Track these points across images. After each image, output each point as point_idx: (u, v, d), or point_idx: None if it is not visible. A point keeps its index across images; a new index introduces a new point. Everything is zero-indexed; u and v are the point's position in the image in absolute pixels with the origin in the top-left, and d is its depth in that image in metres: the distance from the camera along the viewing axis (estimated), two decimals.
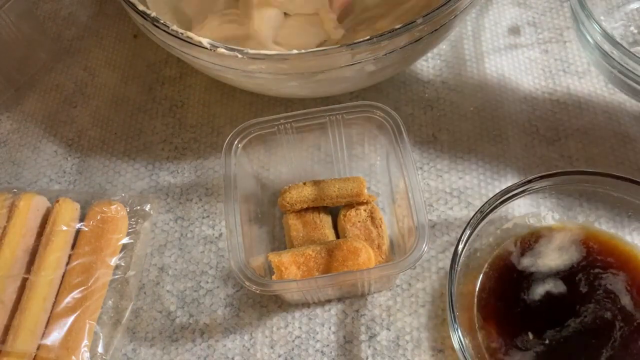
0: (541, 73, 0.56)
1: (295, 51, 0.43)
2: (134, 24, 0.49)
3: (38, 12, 0.64)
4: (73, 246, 0.47)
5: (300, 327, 0.45)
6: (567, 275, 0.43)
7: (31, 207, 0.48)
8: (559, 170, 0.45)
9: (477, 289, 0.43)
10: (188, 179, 0.53)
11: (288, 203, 0.47)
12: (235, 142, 0.45)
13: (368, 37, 0.43)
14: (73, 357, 0.43)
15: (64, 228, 0.47)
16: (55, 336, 0.43)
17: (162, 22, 0.45)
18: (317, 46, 0.51)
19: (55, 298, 0.45)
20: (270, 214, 0.50)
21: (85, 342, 0.44)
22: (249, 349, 0.45)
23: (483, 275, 0.44)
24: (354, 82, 0.51)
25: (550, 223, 0.46)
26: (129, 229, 0.49)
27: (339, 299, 0.46)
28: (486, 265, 0.44)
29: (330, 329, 0.45)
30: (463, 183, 0.50)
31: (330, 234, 0.47)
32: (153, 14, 0.46)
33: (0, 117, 0.58)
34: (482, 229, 0.43)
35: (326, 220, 0.48)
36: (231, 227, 0.42)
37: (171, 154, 0.54)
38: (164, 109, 0.57)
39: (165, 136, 0.55)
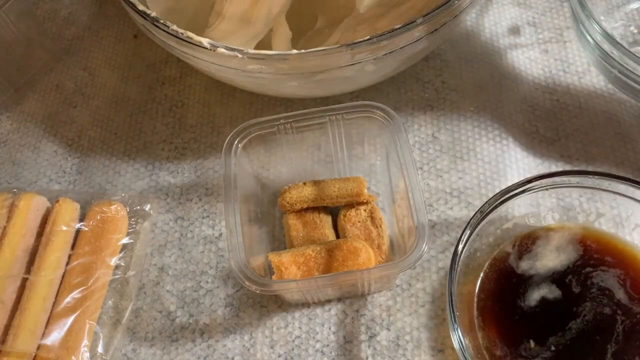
0: (541, 73, 0.56)
1: (295, 51, 0.43)
2: (134, 23, 0.49)
3: (38, 12, 0.64)
4: (73, 246, 0.47)
5: (300, 327, 0.45)
6: (564, 276, 0.43)
7: (31, 207, 0.48)
8: (559, 170, 0.45)
9: (477, 289, 0.43)
10: (188, 179, 0.53)
11: (288, 203, 0.47)
12: (235, 142, 0.45)
13: (368, 37, 0.43)
14: (73, 357, 0.43)
15: (64, 228, 0.47)
16: (55, 336, 0.43)
17: (162, 22, 0.45)
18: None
19: (55, 298, 0.45)
20: (270, 214, 0.50)
21: (85, 342, 0.44)
22: (249, 349, 0.45)
23: (483, 276, 0.44)
24: (354, 82, 0.51)
25: (550, 223, 0.46)
26: (129, 229, 0.49)
27: (339, 299, 0.46)
28: (486, 266, 0.44)
29: (330, 329, 0.45)
30: (463, 183, 0.50)
31: (330, 234, 0.47)
32: (153, 14, 0.46)
33: (0, 117, 0.58)
34: (482, 229, 0.43)
35: (326, 220, 0.48)
36: (231, 227, 0.42)
37: (171, 154, 0.54)
38: (164, 109, 0.57)
39: (165, 136, 0.55)
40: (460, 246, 0.41)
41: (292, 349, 0.44)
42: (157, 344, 0.45)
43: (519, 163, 0.51)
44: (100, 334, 0.45)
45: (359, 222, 0.47)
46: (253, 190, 0.49)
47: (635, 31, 0.57)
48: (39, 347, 0.43)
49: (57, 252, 0.46)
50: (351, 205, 0.47)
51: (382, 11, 0.52)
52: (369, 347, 0.44)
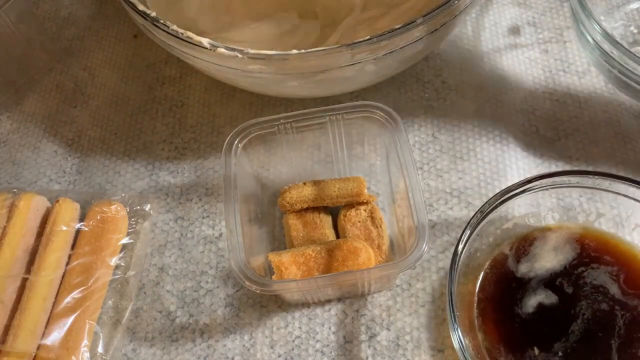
0: (541, 73, 0.56)
1: (295, 51, 0.43)
2: (134, 23, 0.49)
3: (38, 12, 0.64)
4: (73, 246, 0.47)
5: (300, 327, 0.45)
6: (562, 277, 0.43)
7: (31, 207, 0.48)
8: (559, 170, 0.45)
9: (477, 289, 0.43)
10: (188, 179, 0.53)
11: (288, 203, 0.47)
12: (235, 142, 0.45)
13: (368, 37, 0.43)
14: (73, 357, 0.43)
15: (64, 228, 0.47)
16: (55, 336, 0.43)
17: (162, 22, 0.45)
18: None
19: (55, 298, 0.45)
20: (270, 214, 0.50)
21: (85, 342, 0.44)
22: (249, 349, 0.45)
23: (483, 276, 0.44)
24: (354, 82, 0.51)
25: (550, 223, 0.46)
26: (129, 229, 0.49)
27: (339, 299, 0.46)
28: (486, 266, 0.44)
29: (330, 329, 0.45)
30: (463, 183, 0.50)
31: (330, 234, 0.47)
32: (153, 14, 0.46)
33: (0, 117, 0.58)
34: (482, 229, 0.43)
35: (326, 220, 0.48)
36: (231, 227, 0.42)
37: (171, 154, 0.54)
38: (164, 109, 0.57)
39: (165, 136, 0.55)
40: (460, 246, 0.41)
41: (292, 349, 0.44)
42: (157, 344, 0.45)
43: (519, 163, 0.51)
44: (100, 334, 0.45)
45: (359, 222, 0.47)
46: (253, 190, 0.49)
47: (635, 31, 0.57)
48: (39, 347, 0.43)
49: (57, 252, 0.46)
50: (351, 205, 0.47)
51: (382, 11, 0.53)
52: (369, 347, 0.44)
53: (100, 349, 0.44)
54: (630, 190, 0.43)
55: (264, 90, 0.53)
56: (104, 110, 0.58)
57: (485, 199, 0.45)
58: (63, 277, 0.46)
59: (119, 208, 0.49)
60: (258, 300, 0.46)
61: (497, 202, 0.43)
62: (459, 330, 0.39)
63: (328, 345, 0.45)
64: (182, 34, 0.44)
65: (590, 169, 0.50)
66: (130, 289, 0.47)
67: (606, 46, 0.49)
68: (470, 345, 0.41)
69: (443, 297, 0.45)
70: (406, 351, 0.44)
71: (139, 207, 0.50)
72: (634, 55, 0.48)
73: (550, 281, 0.43)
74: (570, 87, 0.55)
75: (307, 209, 0.48)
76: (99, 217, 0.48)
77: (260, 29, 0.54)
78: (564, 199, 0.46)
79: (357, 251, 0.43)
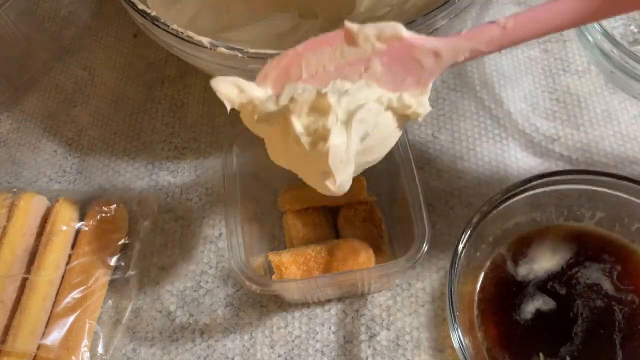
0: (541, 72, 0.56)
1: None
2: (134, 23, 0.49)
3: (38, 12, 0.64)
4: (73, 246, 0.47)
5: (300, 327, 0.45)
6: (561, 279, 0.43)
7: (31, 207, 0.48)
8: (559, 170, 0.45)
9: (477, 290, 0.43)
10: (188, 179, 0.53)
11: (288, 203, 0.47)
12: (236, 142, 0.45)
13: None
14: (73, 357, 0.43)
15: (64, 228, 0.47)
16: (55, 336, 0.43)
17: (162, 21, 0.45)
18: None
19: (56, 298, 0.45)
20: (270, 214, 0.50)
21: (86, 342, 0.44)
22: (249, 349, 0.45)
23: (483, 276, 0.44)
24: None
25: (551, 223, 0.46)
26: (129, 228, 0.49)
27: (339, 299, 0.46)
28: (486, 266, 0.44)
29: (330, 329, 0.45)
30: (463, 183, 0.50)
31: (330, 234, 0.47)
32: (153, 13, 0.46)
33: (0, 116, 0.58)
34: (483, 229, 0.43)
35: (326, 220, 0.48)
36: (231, 227, 0.42)
37: (171, 153, 0.54)
38: (164, 109, 0.57)
39: (165, 136, 0.55)
40: (460, 246, 0.41)
41: (292, 349, 0.44)
42: (157, 344, 0.45)
43: (519, 163, 0.51)
44: (101, 334, 0.45)
45: (359, 222, 0.47)
46: (253, 190, 0.49)
47: (636, 30, 0.57)
48: (39, 347, 0.43)
49: (57, 252, 0.46)
50: (351, 205, 0.47)
51: (383, 11, 0.52)
52: (369, 347, 0.44)
53: (100, 349, 0.44)
54: (631, 190, 0.43)
55: None
56: (104, 110, 0.58)
57: (485, 199, 0.45)
58: (63, 277, 0.46)
59: (119, 208, 0.49)
60: (258, 300, 0.46)
61: (498, 202, 0.43)
62: (459, 331, 0.39)
63: (328, 345, 0.45)
64: (182, 33, 0.44)
65: (590, 168, 0.50)
66: (130, 289, 0.47)
67: (606, 46, 0.49)
68: (471, 345, 0.41)
69: (443, 297, 0.45)
70: (406, 351, 0.44)
71: (139, 207, 0.50)
72: (635, 54, 0.48)
73: (550, 284, 0.43)
74: (571, 86, 0.55)
75: (307, 209, 0.48)
76: (99, 217, 0.48)
77: (261, 29, 0.54)
78: (564, 199, 0.46)
79: (357, 251, 0.43)
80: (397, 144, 0.44)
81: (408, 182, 0.42)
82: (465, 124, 0.53)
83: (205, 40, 0.44)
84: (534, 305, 0.42)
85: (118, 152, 0.55)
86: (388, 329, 0.45)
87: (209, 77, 0.55)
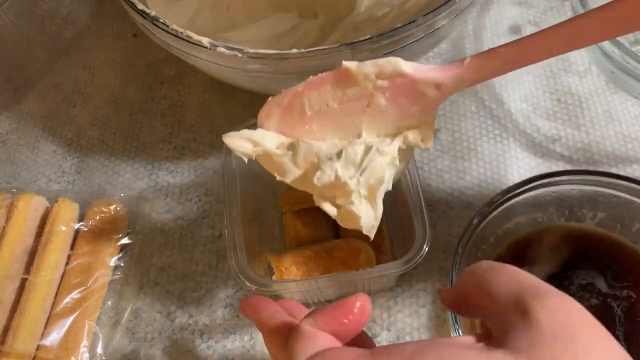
0: (542, 72, 0.56)
1: (295, 50, 0.43)
2: (133, 23, 0.48)
3: (37, 12, 0.64)
4: (72, 246, 0.47)
5: None
6: (561, 279, 0.43)
7: (30, 207, 0.48)
8: (559, 170, 0.45)
9: None
10: (188, 179, 0.53)
11: (288, 203, 0.47)
12: None
13: (368, 36, 0.43)
14: (72, 358, 0.43)
15: (63, 228, 0.47)
16: (54, 337, 0.43)
17: (161, 21, 0.45)
18: None
19: (55, 298, 0.45)
20: (270, 214, 0.50)
21: (85, 342, 0.43)
22: (249, 350, 0.45)
23: None
24: None
25: (551, 223, 0.45)
26: (129, 229, 0.49)
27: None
28: None
29: None
30: (463, 183, 0.50)
31: (330, 234, 0.47)
32: (152, 13, 0.45)
33: None
34: (483, 229, 0.43)
35: (326, 220, 0.48)
36: (231, 227, 0.42)
37: (170, 153, 0.54)
38: (163, 109, 0.57)
39: (164, 136, 0.55)
40: (461, 246, 0.41)
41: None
42: (157, 344, 0.45)
43: (520, 163, 0.51)
44: (100, 335, 0.45)
45: None
46: (253, 190, 0.49)
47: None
48: (38, 348, 0.43)
49: (56, 252, 0.46)
50: None
51: (383, 10, 0.52)
52: None
53: (99, 350, 0.44)
54: (631, 190, 0.43)
55: (263, 89, 0.53)
56: (103, 110, 0.57)
57: (485, 199, 0.45)
58: (62, 277, 0.46)
59: (118, 208, 0.49)
60: None
61: (498, 202, 0.43)
62: (459, 331, 0.39)
63: None
64: (181, 33, 0.44)
65: (590, 168, 0.50)
66: (129, 289, 0.47)
67: (607, 45, 0.49)
68: None
69: None
70: None
71: (138, 207, 0.50)
72: (635, 54, 0.47)
73: (555, 284, 0.42)
74: (571, 86, 0.55)
75: (307, 209, 0.48)
76: (98, 217, 0.48)
77: (260, 28, 0.54)
78: (564, 199, 0.46)
79: (357, 251, 0.43)
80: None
81: (408, 182, 0.42)
82: (465, 124, 0.53)
83: (205, 40, 0.43)
84: None
85: (117, 152, 0.55)
86: (388, 330, 0.45)
87: (208, 77, 0.56)
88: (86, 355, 0.43)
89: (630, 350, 0.39)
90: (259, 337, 0.45)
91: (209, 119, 0.56)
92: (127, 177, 0.53)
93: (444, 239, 0.48)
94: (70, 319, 0.44)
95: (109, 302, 0.46)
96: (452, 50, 0.58)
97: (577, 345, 0.22)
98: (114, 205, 0.49)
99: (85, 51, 0.62)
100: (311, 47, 0.43)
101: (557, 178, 0.44)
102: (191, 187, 0.52)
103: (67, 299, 0.44)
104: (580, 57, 0.56)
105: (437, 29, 0.45)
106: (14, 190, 0.50)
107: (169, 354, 0.45)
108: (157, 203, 0.51)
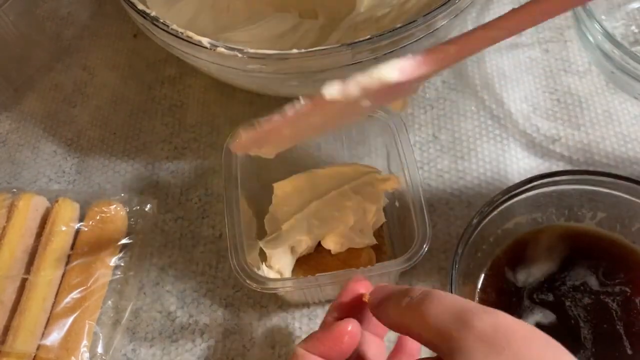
0: (542, 72, 0.56)
1: (295, 50, 0.43)
2: (133, 23, 0.48)
3: (37, 12, 0.64)
4: (72, 246, 0.47)
5: (300, 327, 0.45)
6: (561, 280, 0.43)
7: (30, 207, 0.48)
8: (559, 170, 0.45)
9: (477, 290, 0.43)
10: (188, 179, 0.53)
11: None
12: None
13: (368, 36, 0.43)
14: (72, 358, 0.43)
15: (63, 228, 0.47)
16: (54, 336, 0.43)
17: (161, 21, 0.45)
18: None
19: (55, 298, 0.45)
20: None
21: (85, 342, 0.43)
22: (249, 350, 0.45)
23: (484, 277, 0.43)
24: None
25: (551, 223, 0.46)
26: (129, 229, 0.49)
27: None
28: (487, 267, 0.44)
29: None
30: (463, 183, 0.50)
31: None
32: (153, 13, 0.46)
33: (0, 116, 0.58)
34: (483, 229, 0.43)
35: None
36: (231, 227, 0.42)
37: (171, 153, 0.54)
38: (164, 109, 0.57)
39: (164, 136, 0.55)
40: (461, 246, 0.41)
41: (293, 349, 0.44)
42: (157, 344, 0.45)
43: (520, 163, 0.51)
44: (100, 335, 0.45)
45: None
46: (253, 190, 0.49)
47: (637, 30, 0.57)
48: (38, 348, 0.43)
49: (57, 252, 0.46)
50: None
51: (383, 11, 0.52)
52: None
53: (99, 350, 0.44)
54: (631, 190, 0.43)
55: (263, 90, 0.53)
56: (104, 110, 0.57)
57: (485, 199, 0.45)
58: (62, 277, 0.46)
59: (118, 208, 0.49)
60: (258, 300, 0.46)
61: (498, 202, 0.43)
62: None
63: None
64: (181, 33, 0.44)
65: (590, 169, 0.50)
66: (130, 289, 0.47)
67: (607, 46, 0.49)
68: None
69: None
70: None
71: (138, 207, 0.50)
72: (635, 54, 0.47)
73: (550, 286, 0.42)
74: (571, 86, 0.55)
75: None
76: (98, 217, 0.48)
77: (260, 29, 0.54)
78: (564, 199, 0.46)
79: (358, 251, 0.43)
80: (398, 145, 0.44)
81: (409, 182, 0.42)
82: (465, 124, 0.53)
83: (205, 40, 0.44)
84: (534, 318, 0.42)
85: (117, 152, 0.55)
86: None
87: (208, 77, 0.56)
88: (86, 355, 0.43)
89: (632, 345, 0.40)
90: (259, 336, 0.45)
91: (209, 119, 0.56)
92: (127, 177, 0.53)
93: (444, 239, 0.48)
94: (71, 319, 0.44)
95: (109, 302, 0.46)
96: None
97: (509, 354, 0.24)
98: (114, 205, 0.49)
99: (85, 51, 0.62)
100: (311, 47, 0.43)
101: (557, 178, 0.44)
102: (192, 187, 0.52)
103: (68, 299, 0.44)
104: (580, 58, 0.56)
105: (437, 29, 0.45)
106: (15, 190, 0.50)
107: (169, 354, 0.45)
108: (158, 203, 0.51)
